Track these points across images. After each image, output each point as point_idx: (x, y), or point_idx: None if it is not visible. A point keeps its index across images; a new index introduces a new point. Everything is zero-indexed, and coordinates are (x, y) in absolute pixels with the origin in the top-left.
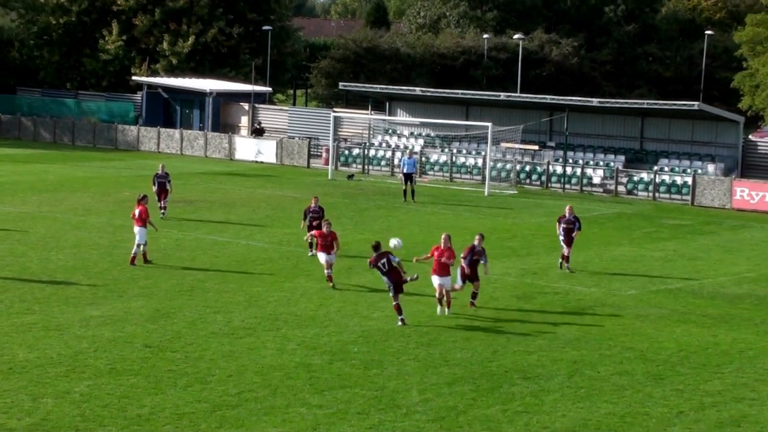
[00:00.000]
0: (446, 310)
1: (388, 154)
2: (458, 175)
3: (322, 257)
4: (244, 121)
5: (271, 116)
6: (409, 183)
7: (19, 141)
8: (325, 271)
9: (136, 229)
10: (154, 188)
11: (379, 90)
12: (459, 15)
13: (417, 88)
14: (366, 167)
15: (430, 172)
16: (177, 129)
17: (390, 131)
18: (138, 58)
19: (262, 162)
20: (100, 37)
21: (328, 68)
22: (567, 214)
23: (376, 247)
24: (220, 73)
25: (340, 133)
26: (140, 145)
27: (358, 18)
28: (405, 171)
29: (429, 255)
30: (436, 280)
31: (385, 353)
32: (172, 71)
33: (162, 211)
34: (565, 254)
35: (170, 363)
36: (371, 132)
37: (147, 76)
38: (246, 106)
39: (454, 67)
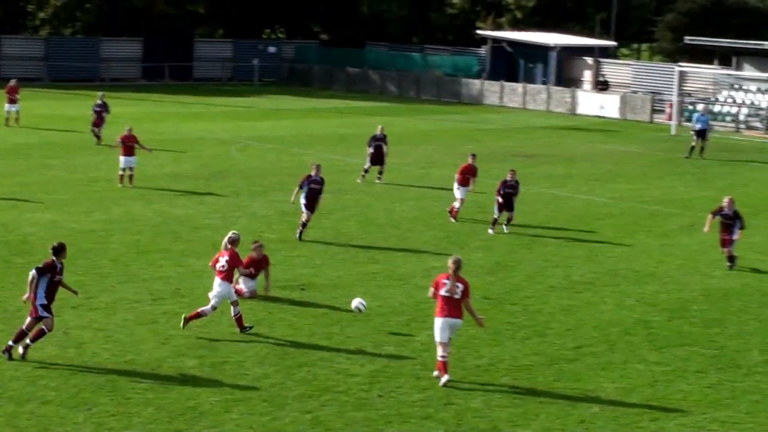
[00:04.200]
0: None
1: (734, 110)
2: None
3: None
4: (588, 75)
5: (615, 71)
6: (700, 139)
7: (366, 93)
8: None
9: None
10: (370, 150)
11: (726, 45)
12: None
13: (766, 43)
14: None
15: None
16: (520, 83)
17: (736, 87)
18: (483, 12)
19: (604, 117)
20: None
21: (673, 22)
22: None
23: None
24: (565, 28)
25: (684, 89)
26: (483, 98)
27: None
28: (698, 128)
29: None
30: None
31: (726, 312)
32: (516, 25)
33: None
34: None
35: (509, 315)
36: (716, 88)
37: (492, 30)
38: (590, 60)
39: None
